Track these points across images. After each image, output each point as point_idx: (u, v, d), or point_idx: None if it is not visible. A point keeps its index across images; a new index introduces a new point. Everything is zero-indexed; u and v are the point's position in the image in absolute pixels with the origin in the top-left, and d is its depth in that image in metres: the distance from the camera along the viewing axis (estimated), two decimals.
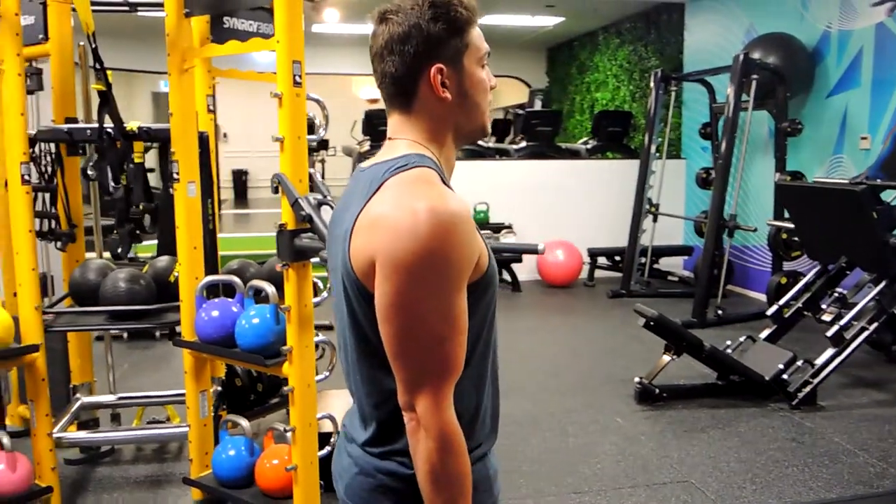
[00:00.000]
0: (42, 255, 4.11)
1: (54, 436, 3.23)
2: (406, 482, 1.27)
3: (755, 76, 6.23)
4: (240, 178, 16.26)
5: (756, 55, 6.35)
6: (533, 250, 2.59)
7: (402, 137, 1.32)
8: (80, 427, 3.74)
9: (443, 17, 1.26)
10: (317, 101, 2.90)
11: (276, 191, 2.78)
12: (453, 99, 1.30)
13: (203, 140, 3.38)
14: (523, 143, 9.03)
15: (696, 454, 3.83)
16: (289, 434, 2.87)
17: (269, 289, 2.90)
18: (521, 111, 9.96)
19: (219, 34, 3.25)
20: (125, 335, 5.90)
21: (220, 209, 12.90)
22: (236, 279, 3.10)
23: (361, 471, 1.33)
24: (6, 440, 2.95)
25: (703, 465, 3.70)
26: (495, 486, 1.38)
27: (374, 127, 8.81)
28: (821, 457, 3.79)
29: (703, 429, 4.16)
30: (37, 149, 3.42)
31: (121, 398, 3.90)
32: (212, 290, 3.34)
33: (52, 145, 3.47)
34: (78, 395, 3.75)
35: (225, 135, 14.60)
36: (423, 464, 1.20)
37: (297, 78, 2.71)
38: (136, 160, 3.25)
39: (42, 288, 3.93)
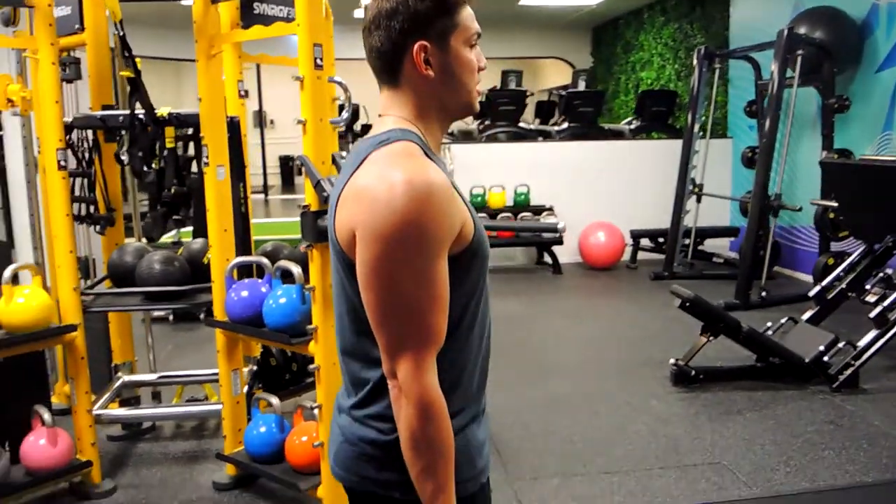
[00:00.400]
0: (84, 239, 4.25)
1: (94, 412, 3.35)
2: (384, 449, 1.30)
3: (800, 51, 6.06)
4: (286, 165, 16.47)
5: (802, 30, 6.19)
6: (552, 229, 2.59)
7: (390, 114, 1.36)
8: (122, 404, 3.87)
9: None
10: (339, 83, 2.93)
11: (299, 172, 2.82)
12: (437, 77, 1.32)
13: (233, 125, 3.44)
14: (565, 125, 8.96)
15: (729, 436, 3.78)
16: (316, 411, 2.93)
17: (295, 269, 2.96)
18: (564, 92, 9.87)
19: (248, 19, 3.29)
20: (170, 317, 6.07)
21: (266, 194, 13.11)
22: (264, 260, 3.17)
23: (346, 439, 1.37)
24: (47, 416, 3.07)
25: (737, 447, 3.65)
26: (479, 458, 1.39)
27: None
28: (859, 440, 3.71)
29: (739, 411, 4.10)
30: (74, 136, 3.52)
31: (161, 377, 4.01)
32: (247, 272, 3.42)
33: (90, 132, 3.57)
34: (119, 374, 3.88)
35: (272, 122, 14.80)
36: (405, 429, 1.23)
37: (319, 61, 2.75)
38: (168, 145, 3.33)
39: (84, 271, 4.08)
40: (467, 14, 1.34)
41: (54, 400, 3.86)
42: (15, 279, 3.15)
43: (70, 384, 3.24)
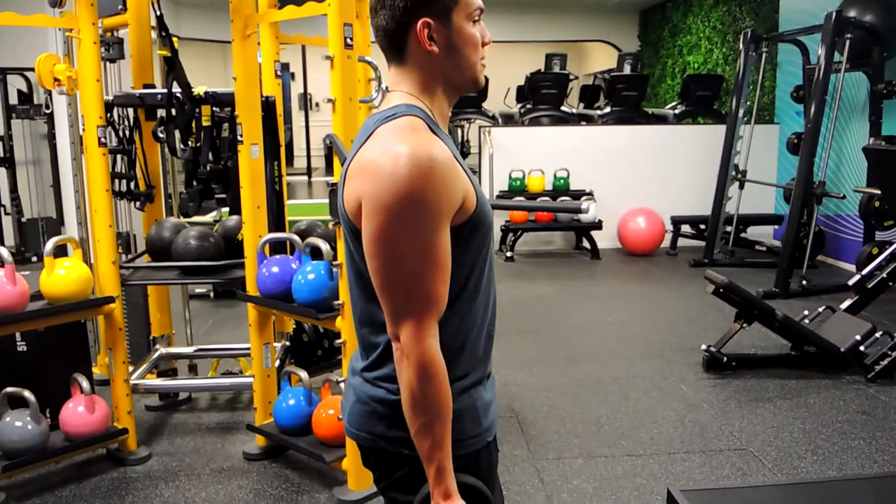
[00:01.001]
0: (125, 215, 4.37)
1: (131, 382, 3.47)
2: (393, 408, 1.37)
3: (849, 35, 5.92)
4: (330, 152, 16.50)
5: (852, 13, 6.04)
6: (576, 209, 2.61)
7: (397, 90, 1.40)
8: (159, 376, 3.99)
9: None
10: (370, 63, 2.97)
11: (329, 151, 2.88)
12: (441, 52, 1.36)
13: (269, 104, 3.51)
14: (608, 109, 8.88)
15: (758, 423, 3.76)
16: (342, 385, 2.99)
17: (324, 246, 3.02)
18: (608, 76, 9.78)
19: (284, 0, 3.35)
20: (211, 294, 6.21)
21: (310, 176, 13.23)
22: (295, 237, 3.23)
23: (358, 399, 1.44)
24: (86, 384, 3.18)
25: (764, 435, 3.63)
26: (485, 418, 1.44)
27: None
28: (891, 431, 3.66)
29: (770, 399, 4.07)
30: (115, 114, 3.62)
31: (197, 350, 4.12)
32: (280, 250, 3.49)
33: (130, 110, 3.67)
34: (157, 347, 4.00)
35: (317, 104, 14.93)
36: (405, 389, 1.30)
37: (349, 40, 2.79)
38: (205, 123, 3.40)
39: (125, 246, 4.20)
40: None
41: (96, 371, 4.00)
42: (62, 252, 3.28)
43: (108, 354, 3.36)
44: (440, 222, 1.26)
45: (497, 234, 7.85)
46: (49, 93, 6.75)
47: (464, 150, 10.85)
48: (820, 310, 4.78)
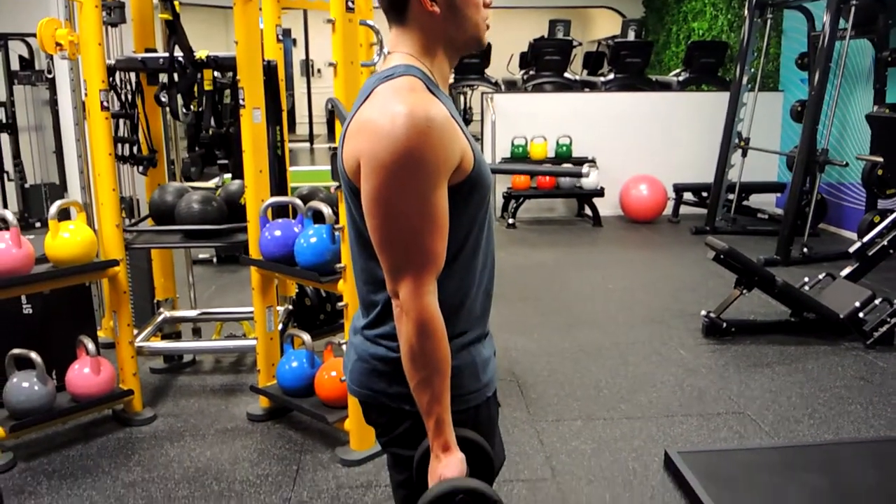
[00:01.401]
0: (128, 180, 4.39)
1: (136, 344, 3.51)
2: (393, 365, 1.40)
3: (854, 2, 5.86)
4: (332, 114, 16.42)
5: None
6: (577, 174, 2.62)
7: (398, 50, 1.41)
8: (164, 339, 4.04)
9: None
10: (371, 26, 2.96)
11: (331, 116, 2.88)
12: (443, 13, 1.36)
13: (271, 68, 3.51)
14: (611, 76, 8.83)
15: (756, 388, 3.80)
16: (343, 347, 3.03)
17: (326, 210, 3.04)
18: (612, 43, 9.71)
19: None
20: (214, 259, 6.24)
21: (312, 143, 13.20)
22: (297, 201, 3.25)
23: (359, 357, 1.47)
24: (91, 346, 3.22)
25: (762, 399, 3.67)
26: (483, 373, 1.47)
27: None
28: (888, 396, 3.69)
29: (769, 364, 4.11)
30: (117, 78, 3.62)
31: (201, 314, 4.17)
32: (283, 214, 3.52)
33: (132, 74, 3.67)
34: (161, 310, 4.04)
35: (319, 71, 14.84)
36: (404, 345, 1.33)
37: (350, 3, 2.78)
38: (207, 87, 3.41)
39: (128, 210, 4.22)
40: None
41: (100, 335, 4.04)
42: (66, 216, 3.30)
43: (113, 317, 3.39)
44: (437, 181, 1.28)
45: (499, 201, 7.85)
46: (51, 58, 6.73)
47: (466, 117, 10.81)
48: (820, 277, 4.80)
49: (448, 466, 1.33)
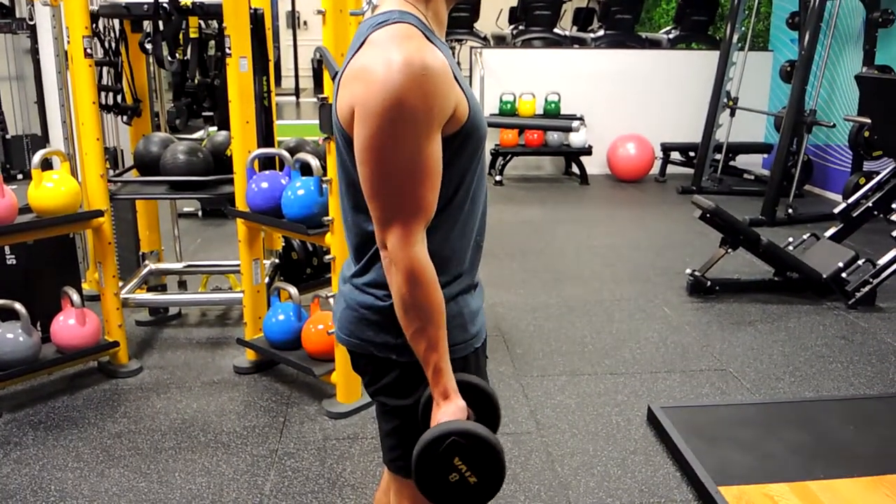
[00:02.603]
0: (112, 130, 4.33)
1: (122, 296, 3.50)
2: (381, 314, 1.40)
3: None
4: (320, 67, 16.22)
5: None
6: (567, 128, 2.60)
7: None
8: (149, 291, 4.02)
9: None
10: None
11: (318, 64, 2.84)
12: None
13: (257, 17, 3.44)
14: (601, 32, 8.75)
15: (738, 345, 3.84)
16: (330, 300, 3.03)
17: (314, 162, 3.01)
18: None
19: None
20: (199, 213, 6.19)
21: (298, 97, 13.06)
22: (284, 153, 3.22)
23: (347, 305, 1.47)
24: (76, 297, 3.21)
25: (744, 356, 3.72)
26: (472, 325, 1.47)
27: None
28: (868, 356, 3.75)
29: (751, 322, 4.15)
30: (101, 25, 3.54)
31: (186, 266, 4.15)
32: (270, 166, 3.48)
33: (116, 21, 3.59)
34: (146, 262, 4.01)
35: (305, 23, 14.61)
36: (396, 296, 1.32)
37: None
38: (192, 35, 3.35)
39: (112, 161, 4.17)
40: None
41: (85, 287, 4.02)
42: (48, 167, 3.25)
43: (98, 268, 3.37)
44: (431, 130, 1.26)
45: (487, 158, 7.80)
46: (32, 5, 6.57)
47: None
48: (804, 237, 4.84)
49: (446, 413, 1.34)
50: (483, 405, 1.43)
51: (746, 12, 7.40)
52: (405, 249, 1.28)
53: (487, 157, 7.67)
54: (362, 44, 1.31)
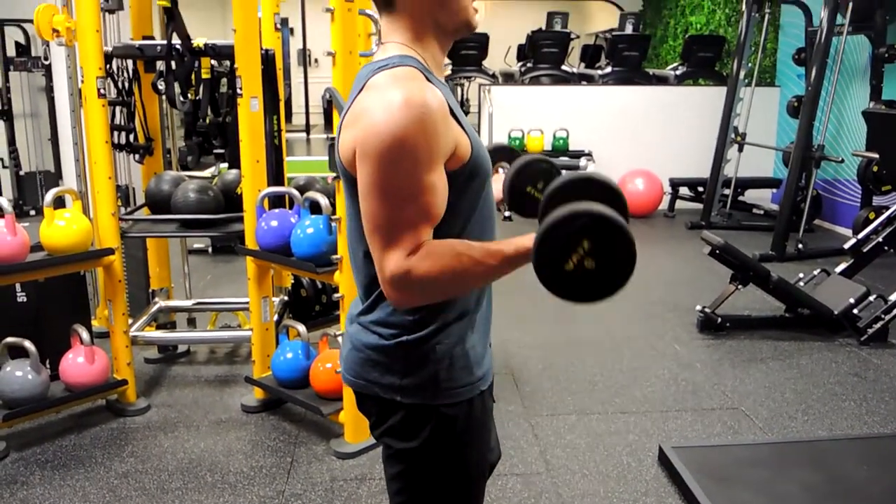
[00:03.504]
0: (124, 168, 4.37)
1: (131, 334, 3.50)
2: (386, 354, 1.41)
3: None
4: (330, 107, 16.31)
5: None
6: (574, 166, 2.60)
7: (390, 40, 1.40)
8: (158, 329, 4.02)
9: None
10: (370, 16, 2.94)
11: (329, 104, 2.87)
12: None
13: (268, 57, 3.49)
14: (609, 69, 8.82)
15: (750, 383, 3.81)
16: (339, 338, 3.02)
17: (323, 200, 3.03)
18: (609, 36, 9.68)
19: None
20: (210, 249, 6.22)
21: (308, 133, 13.15)
22: (294, 191, 3.24)
23: (353, 346, 1.47)
24: (85, 335, 3.21)
25: (756, 394, 3.68)
26: (478, 367, 1.46)
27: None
28: (882, 393, 3.71)
29: (763, 359, 4.12)
30: (114, 65, 3.59)
31: (196, 303, 4.16)
32: (279, 204, 3.50)
33: (129, 62, 3.64)
34: (156, 300, 4.02)
35: (316, 60, 14.77)
36: (437, 298, 1.34)
37: None
38: (204, 76, 3.39)
39: (124, 199, 4.20)
40: None
41: (95, 324, 4.03)
42: (62, 204, 3.28)
43: (108, 306, 3.38)
44: (433, 164, 1.26)
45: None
46: (47, 44, 6.68)
47: (463, 109, 10.75)
48: (815, 273, 4.81)
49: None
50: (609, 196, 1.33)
51: (753, 48, 7.45)
52: (412, 257, 1.25)
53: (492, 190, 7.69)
54: (363, 87, 1.33)
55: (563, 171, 1.56)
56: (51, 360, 3.36)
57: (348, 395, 3.02)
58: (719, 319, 4.47)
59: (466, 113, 10.55)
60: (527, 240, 1.27)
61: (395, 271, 1.26)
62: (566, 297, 1.24)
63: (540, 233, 1.22)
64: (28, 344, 3.07)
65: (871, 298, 4.41)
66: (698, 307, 4.54)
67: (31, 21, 3.42)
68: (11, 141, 7.30)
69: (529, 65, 9.07)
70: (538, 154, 1.60)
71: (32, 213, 7.12)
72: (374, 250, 1.30)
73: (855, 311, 4.38)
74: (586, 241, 1.19)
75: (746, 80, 7.40)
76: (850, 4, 5.89)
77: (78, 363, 3.21)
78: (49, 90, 7.15)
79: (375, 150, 1.25)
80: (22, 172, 7.34)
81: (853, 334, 4.37)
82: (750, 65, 7.49)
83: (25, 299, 3.43)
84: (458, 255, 1.26)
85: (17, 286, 3.37)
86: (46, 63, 6.96)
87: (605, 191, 1.35)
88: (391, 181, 1.25)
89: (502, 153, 1.81)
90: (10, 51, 7.24)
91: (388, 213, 1.27)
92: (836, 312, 4.38)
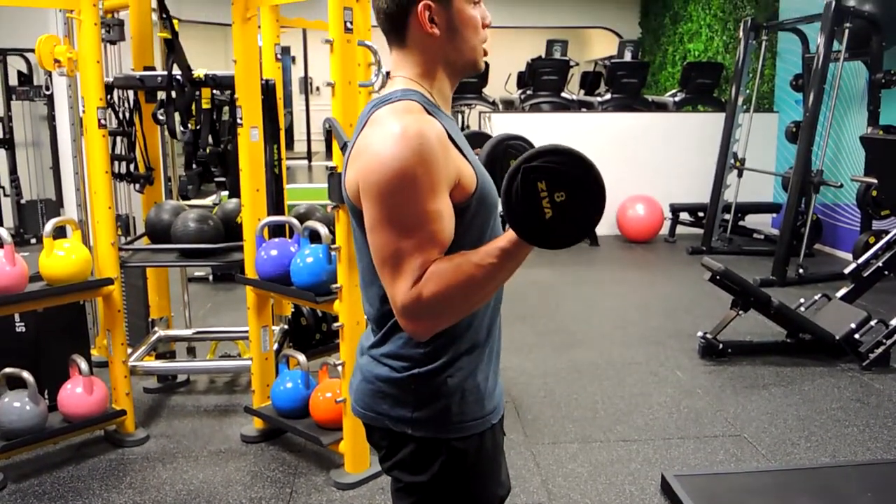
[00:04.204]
0: (125, 197, 4.38)
1: (130, 364, 3.48)
2: (397, 386, 1.40)
3: (848, 24, 5.91)
4: (330, 133, 16.38)
5: (851, 2, 6.03)
6: None
7: (399, 74, 1.42)
8: (158, 358, 4.01)
9: None
10: (369, 47, 2.96)
11: (328, 135, 2.88)
12: (442, 34, 1.37)
13: (269, 88, 3.51)
14: (608, 96, 8.87)
15: (752, 409, 3.78)
16: (340, 368, 3.01)
17: (322, 230, 3.03)
18: (609, 63, 9.75)
19: None
20: (210, 277, 6.22)
21: (310, 160, 13.20)
22: (294, 220, 3.24)
23: (364, 378, 1.46)
24: (84, 365, 3.20)
25: (758, 421, 3.66)
26: (489, 401, 1.46)
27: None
28: (885, 419, 3.68)
29: (765, 385, 4.10)
30: (115, 96, 3.62)
31: (195, 333, 4.15)
32: (280, 233, 3.50)
33: (130, 92, 3.67)
34: (156, 329, 4.01)
35: (317, 88, 14.88)
36: (453, 319, 1.33)
37: (349, 24, 2.79)
38: (205, 106, 3.41)
39: (124, 228, 4.21)
40: None
41: (94, 353, 4.01)
42: (62, 234, 3.28)
43: (107, 336, 3.37)
44: (437, 193, 1.26)
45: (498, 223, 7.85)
46: (49, 74, 6.74)
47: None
48: (816, 298, 4.80)
49: None
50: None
51: (751, 75, 7.50)
52: (418, 284, 1.24)
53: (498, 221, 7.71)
54: (366, 122, 1.35)
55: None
56: (49, 390, 3.35)
57: (348, 425, 3.00)
58: (721, 345, 4.45)
59: None
60: (509, 239, 1.25)
61: (406, 301, 1.25)
62: (567, 241, 1.22)
63: (503, 203, 1.21)
64: (26, 374, 3.06)
65: (873, 323, 4.40)
66: (700, 333, 4.53)
67: (33, 50, 3.45)
68: (13, 169, 7.33)
69: (529, 92, 9.13)
70: (508, 133, 1.58)
71: (33, 240, 7.14)
72: (386, 284, 1.30)
73: (856, 335, 4.36)
74: (539, 182, 1.18)
75: (745, 106, 7.45)
76: (847, 31, 5.93)
77: (76, 394, 3.20)
78: (50, 119, 7.21)
79: (377, 184, 1.26)
80: (23, 201, 7.37)
81: (855, 359, 4.35)
82: (748, 91, 7.53)
83: (24, 329, 3.43)
84: (458, 267, 1.25)
85: (16, 316, 3.37)
86: (48, 93, 7.02)
87: (517, 141, 1.48)
88: (395, 213, 1.26)
89: (477, 139, 1.76)
90: (13, 80, 7.29)
91: (395, 246, 1.27)
92: (837, 337, 4.36)
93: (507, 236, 1.24)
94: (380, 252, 1.30)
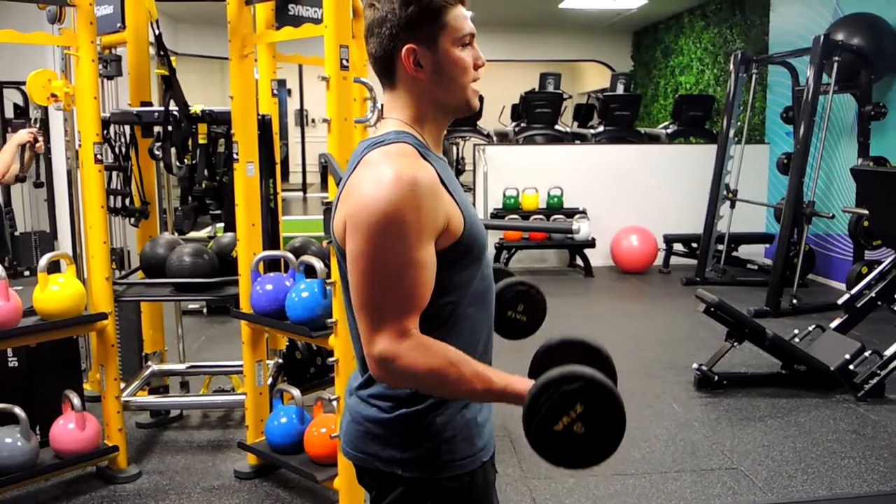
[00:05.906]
0: (119, 231, 4.38)
1: (123, 399, 3.47)
2: (386, 427, 1.40)
3: (837, 58, 6.00)
4: (325, 168, 16.43)
5: (840, 36, 6.11)
6: (567, 230, 2.63)
7: (391, 117, 1.43)
8: (151, 393, 3.99)
9: (415, 2, 1.35)
10: (365, 84, 2.99)
11: (324, 169, 2.90)
12: (430, 77, 1.39)
13: (265, 123, 3.53)
14: (601, 128, 8.94)
15: (749, 442, 3.77)
16: (334, 403, 3.00)
17: (318, 264, 3.03)
18: (601, 96, 9.85)
19: (283, 20, 3.36)
20: (204, 310, 6.21)
21: (305, 192, 13.23)
22: (289, 255, 3.25)
23: (352, 419, 1.46)
24: (76, 401, 3.18)
25: (755, 454, 3.65)
26: (479, 438, 1.46)
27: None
28: (880, 450, 3.68)
29: (761, 417, 4.09)
30: (112, 131, 3.64)
31: (189, 367, 4.13)
32: (275, 267, 3.51)
33: (126, 127, 3.69)
34: (149, 363, 4.00)
35: (313, 121, 14.95)
36: (420, 387, 1.35)
37: (345, 61, 2.82)
38: (201, 141, 3.43)
39: (119, 262, 4.20)
40: (456, 15, 1.39)
41: (87, 387, 4.00)
42: (56, 268, 3.28)
43: (100, 371, 3.36)
44: (421, 241, 1.28)
45: (491, 251, 7.87)
46: (45, 108, 6.77)
47: (459, 168, 10.88)
48: (810, 328, 4.81)
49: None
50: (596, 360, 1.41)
51: (741, 107, 7.58)
52: (402, 343, 1.27)
53: (492, 251, 7.73)
54: (358, 163, 1.36)
55: (540, 292, 1.71)
56: (41, 425, 3.31)
57: (343, 462, 2.98)
58: (716, 377, 4.45)
59: (461, 172, 10.68)
60: (518, 381, 1.30)
61: (383, 354, 1.27)
62: (549, 457, 1.27)
63: (537, 386, 1.25)
64: (18, 410, 3.04)
65: (867, 354, 4.40)
66: (695, 365, 4.52)
67: None
68: (7, 201, 7.30)
69: (523, 124, 9.20)
70: (514, 278, 1.65)
71: (27, 273, 7.10)
72: (362, 325, 1.31)
73: (851, 366, 4.37)
74: (580, 404, 1.23)
75: (736, 138, 7.52)
76: (835, 64, 6.01)
77: (68, 429, 3.17)
78: (46, 152, 7.20)
79: (364, 224, 1.27)
80: (17, 233, 7.35)
81: (850, 390, 4.35)
82: (739, 123, 7.61)
83: (17, 364, 3.41)
84: (449, 364, 1.28)
85: (9, 351, 3.35)
86: (37, 126, 7.03)
87: (595, 355, 1.46)
88: (378, 255, 1.27)
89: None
90: (9, 112, 7.31)
91: (375, 290, 1.28)
92: (832, 368, 4.37)
93: (507, 384, 1.30)
94: (359, 293, 1.31)
